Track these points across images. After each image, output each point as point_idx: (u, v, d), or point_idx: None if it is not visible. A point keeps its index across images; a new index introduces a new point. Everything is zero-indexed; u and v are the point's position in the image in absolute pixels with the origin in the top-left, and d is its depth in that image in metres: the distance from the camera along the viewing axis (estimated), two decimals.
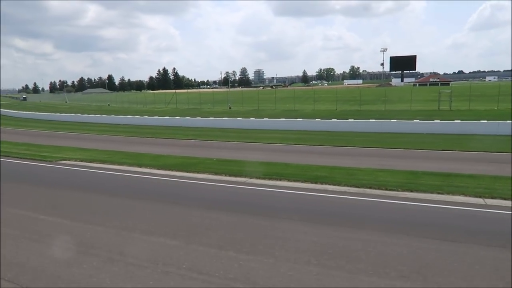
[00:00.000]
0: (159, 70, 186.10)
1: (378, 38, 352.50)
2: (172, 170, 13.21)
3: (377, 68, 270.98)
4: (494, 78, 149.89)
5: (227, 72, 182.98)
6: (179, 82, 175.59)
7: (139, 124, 33.48)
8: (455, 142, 18.56)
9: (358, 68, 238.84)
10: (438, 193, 9.44)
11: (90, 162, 15.13)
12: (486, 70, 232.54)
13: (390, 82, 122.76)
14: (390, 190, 9.88)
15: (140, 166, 14.04)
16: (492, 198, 9.00)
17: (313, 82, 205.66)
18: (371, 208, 8.82)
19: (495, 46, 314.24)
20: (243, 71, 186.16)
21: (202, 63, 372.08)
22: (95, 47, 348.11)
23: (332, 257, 5.81)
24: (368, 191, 9.90)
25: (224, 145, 20.52)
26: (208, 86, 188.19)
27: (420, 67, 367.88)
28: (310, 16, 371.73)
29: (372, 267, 5.42)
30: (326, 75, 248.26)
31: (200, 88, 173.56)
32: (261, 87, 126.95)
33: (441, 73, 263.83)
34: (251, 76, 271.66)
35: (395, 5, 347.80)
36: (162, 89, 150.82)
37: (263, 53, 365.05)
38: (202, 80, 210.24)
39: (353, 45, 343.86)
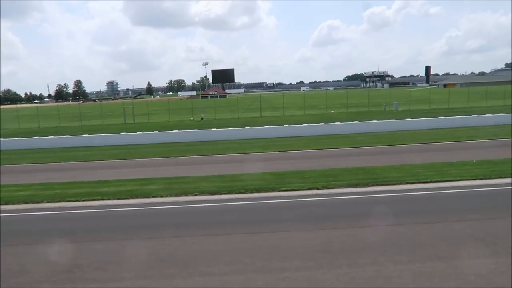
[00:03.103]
0: None
1: (237, 50, 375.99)
2: None
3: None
4: (307, 88, 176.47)
5: (59, 85, 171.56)
6: None
7: None
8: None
9: (208, 79, 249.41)
10: None
11: None
12: (331, 80, 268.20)
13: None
14: None
15: None
16: None
17: (155, 93, 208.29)
18: None
19: (333, 60, 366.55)
20: (78, 84, 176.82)
21: (53, 73, 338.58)
22: None
23: None
24: None
25: None
26: (37, 101, 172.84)
27: (273, 78, 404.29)
28: (171, 27, 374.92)
29: None
30: (177, 86, 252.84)
31: (32, 102, 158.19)
32: (82, 101, 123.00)
33: (287, 83, 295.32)
34: (103, 88, 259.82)
35: (250, 20, 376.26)
36: None
37: (124, 63, 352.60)
38: (35, 94, 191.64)
39: (216, 57, 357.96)
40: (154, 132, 27.76)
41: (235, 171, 14.54)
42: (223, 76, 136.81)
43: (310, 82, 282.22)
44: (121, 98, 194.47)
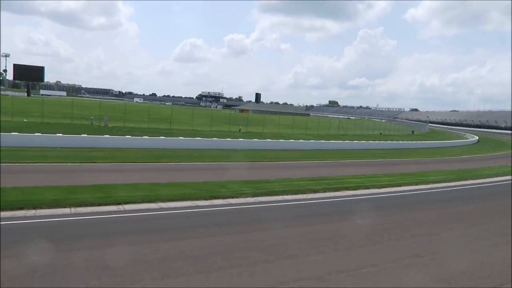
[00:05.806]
0: None
1: (91, 52, 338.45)
2: None
3: (77, 81, 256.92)
4: (140, 100, 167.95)
5: None
6: None
7: None
8: None
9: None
10: None
11: None
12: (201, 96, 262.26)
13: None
14: None
15: None
16: None
17: None
18: None
19: (194, 77, 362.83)
20: None
21: None
22: None
23: None
24: None
25: None
26: None
27: (131, 87, 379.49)
28: (8, 11, 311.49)
29: None
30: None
31: None
32: None
33: (141, 93, 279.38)
34: None
35: (108, 22, 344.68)
36: None
37: None
38: None
39: (64, 54, 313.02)
40: None
41: None
42: (29, 74, 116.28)
43: (163, 96, 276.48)
44: None
